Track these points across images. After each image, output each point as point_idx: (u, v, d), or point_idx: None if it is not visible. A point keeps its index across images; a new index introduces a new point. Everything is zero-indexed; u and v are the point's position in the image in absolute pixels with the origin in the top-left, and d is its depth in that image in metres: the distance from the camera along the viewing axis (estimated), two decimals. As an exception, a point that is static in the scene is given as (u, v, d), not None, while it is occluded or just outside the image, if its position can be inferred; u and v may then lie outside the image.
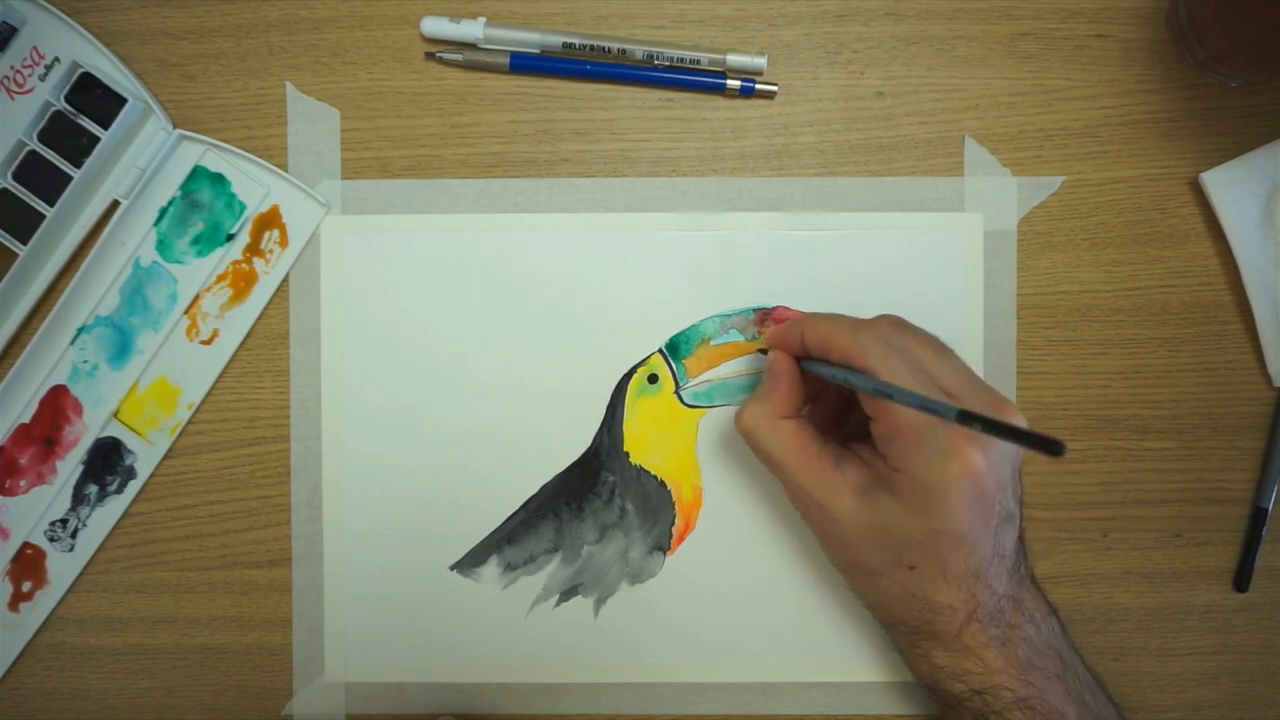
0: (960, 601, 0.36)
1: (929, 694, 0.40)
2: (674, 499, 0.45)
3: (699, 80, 0.45)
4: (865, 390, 0.36)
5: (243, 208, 0.45)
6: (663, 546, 0.45)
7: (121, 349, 0.45)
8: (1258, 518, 0.45)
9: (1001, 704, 0.37)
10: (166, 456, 0.45)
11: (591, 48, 0.44)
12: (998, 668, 0.37)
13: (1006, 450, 0.35)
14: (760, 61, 0.44)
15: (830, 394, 0.42)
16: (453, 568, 0.45)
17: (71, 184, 0.44)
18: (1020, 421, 0.35)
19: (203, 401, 0.45)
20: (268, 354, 0.46)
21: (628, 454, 0.45)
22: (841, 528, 0.37)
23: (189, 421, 0.45)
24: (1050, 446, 0.27)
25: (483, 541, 0.45)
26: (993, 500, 0.35)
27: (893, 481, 0.36)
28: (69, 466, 0.45)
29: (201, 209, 0.45)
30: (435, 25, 0.44)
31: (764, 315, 0.45)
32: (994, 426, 0.30)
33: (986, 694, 0.37)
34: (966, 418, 0.31)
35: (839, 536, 0.38)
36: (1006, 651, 0.37)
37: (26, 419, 0.45)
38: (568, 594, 0.45)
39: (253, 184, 0.45)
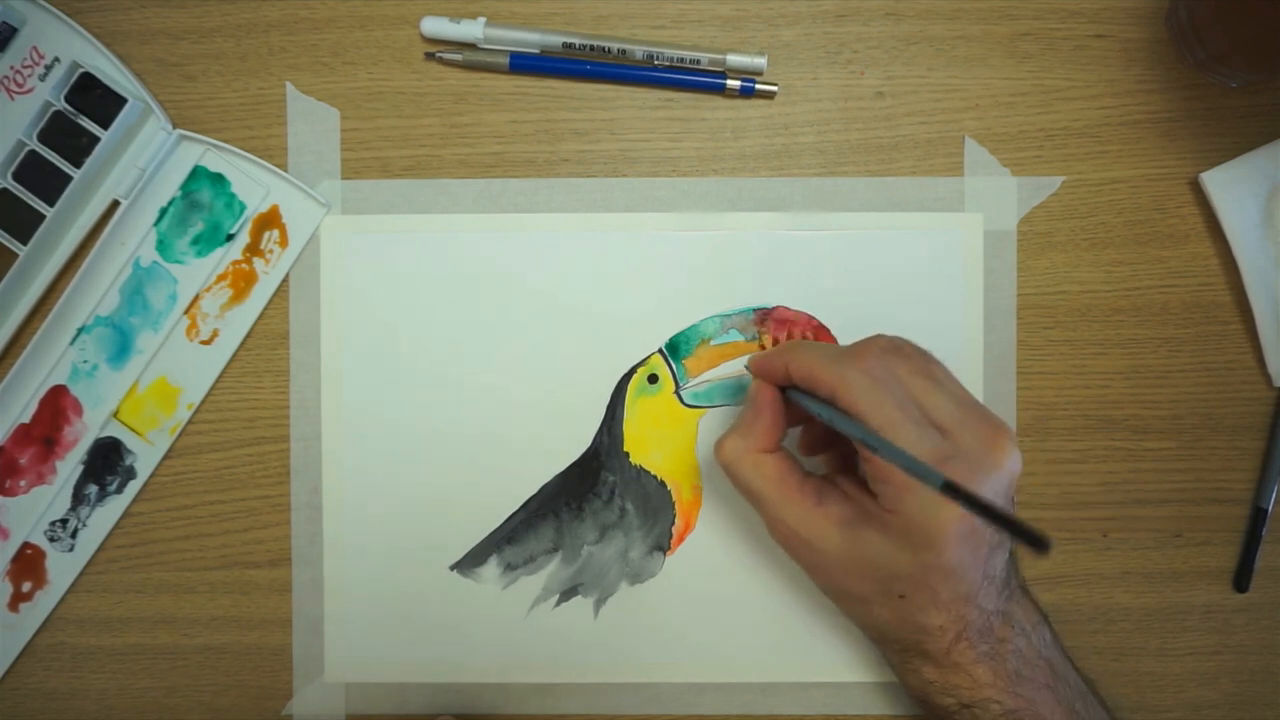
0: (950, 622, 0.36)
1: (920, 706, 0.40)
2: (674, 499, 0.45)
3: (699, 80, 0.45)
4: (852, 437, 0.35)
5: (243, 208, 0.45)
6: (663, 546, 0.45)
7: (121, 349, 0.45)
8: (1258, 518, 0.45)
9: (990, 716, 0.37)
10: (166, 456, 0.45)
11: (591, 48, 0.44)
12: (986, 681, 0.37)
13: (1001, 484, 0.35)
14: (760, 61, 0.44)
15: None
16: (453, 568, 0.45)
17: (71, 184, 0.44)
18: (1014, 453, 0.35)
19: (203, 401, 0.45)
20: (268, 354, 0.46)
21: (628, 454, 0.45)
22: (827, 559, 0.37)
23: (189, 421, 0.45)
24: (1036, 543, 0.26)
25: (483, 541, 0.45)
26: (984, 534, 0.35)
27: (882, 520, 0.36)
28: (69, 466, 0.45)
29: (201, 209, 0.45)
30: (435, 25, 0.44)
31: (764, 315, 0.45)
32: (977, 506, 0.28)
33: (975, 707, 0.37)
34: (951, 489, 0.29)
35: (824, 567, 0.38)
36: (995, 665, 0.37)
37: (26, 419, 0.45)
38: (568, 594, 0.45)
39: (253, 184, 0.45)
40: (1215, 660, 0.45)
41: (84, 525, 0.45)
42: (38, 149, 0.44)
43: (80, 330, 0.45)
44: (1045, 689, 0.37)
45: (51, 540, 0.45)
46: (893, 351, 0.37)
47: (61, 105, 0.44)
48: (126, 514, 0.45)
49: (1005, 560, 0.37)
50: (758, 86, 0.45)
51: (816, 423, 0.42)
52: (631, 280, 0.45)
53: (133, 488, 0.45)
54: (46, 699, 0.46)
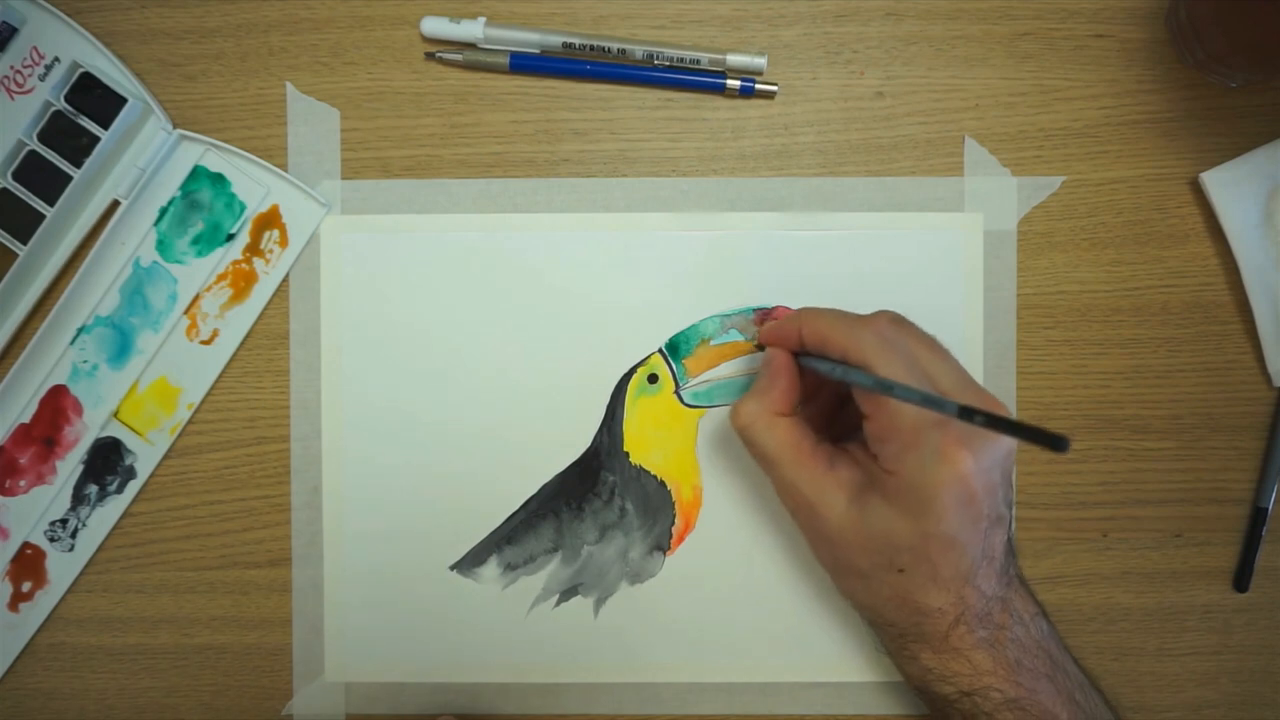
0: (949, 604, 0.36)
1: (919, 695, 0.40)
2: (674, 499, 0.45)
3: (699, 80, 0.45)
4: (865, 385, 0.36)
5: (243, 208, 0.45)
6: (663, 546, 0.45)
7: (121, 349, 0.45)
8: (1258, 518, 0.45)
9: (991, 705, 0.37)
10: (166, 456, 0.45)
11: (591, 48, 0.44)
12: (986, 669, 0.37)
13: (998, 455, 0.35)
14: (760, 61, 0.44)
15: (824, 391, 0.42)
16: (453, 568, 0.45)
17: (71, 184, 0.44)
18: None
19: (203, 401, 0.45)
20: (268, 354, 0.46)
21: (628, 454, 0.45)
22: (832, 528, 0.37)
23: (189, 421, 0.45)
24: (1053, 442, 0.27)
25: (483, 541, 0.45)
26: (981, 504, 0.35)
27: (884, 483, 0.36)
28: (69, 466, 0.45)
29: (201, 209, 0.45)
30: (435, 25, 0.44)
31: (764, 315, 0.45)
32: (996, 422, 0.30)
33: (976, 695, 0.37)
34: (968, 413, 0.31)
35: (830, 536, 0.38)
36: (995, 653, 0.37)
37: (26, 419, 0.45)
38: (568, 594, 0.45)
39: (253, 184, 0.45)
40: (1215, 660, 0.45)
41: (84, 525, 0.45)
42: (38, 149, 0.44)
43: (80, 330, 0.45)
44: (1045, 678, 0.37)
45: (51, 540, 0.45)
46: (901, 323, 0.38)
47: (61, 105, 0.44)
48: (126, 514, 0.45)
49: (1004, 542, 0.37)
50: (758, 86, 0.45)
51: (819, 399, 0.42)
52: (631, 280, 0.45)
53: (133, 488, 0.45)
54: (46, 699, 0.46)
